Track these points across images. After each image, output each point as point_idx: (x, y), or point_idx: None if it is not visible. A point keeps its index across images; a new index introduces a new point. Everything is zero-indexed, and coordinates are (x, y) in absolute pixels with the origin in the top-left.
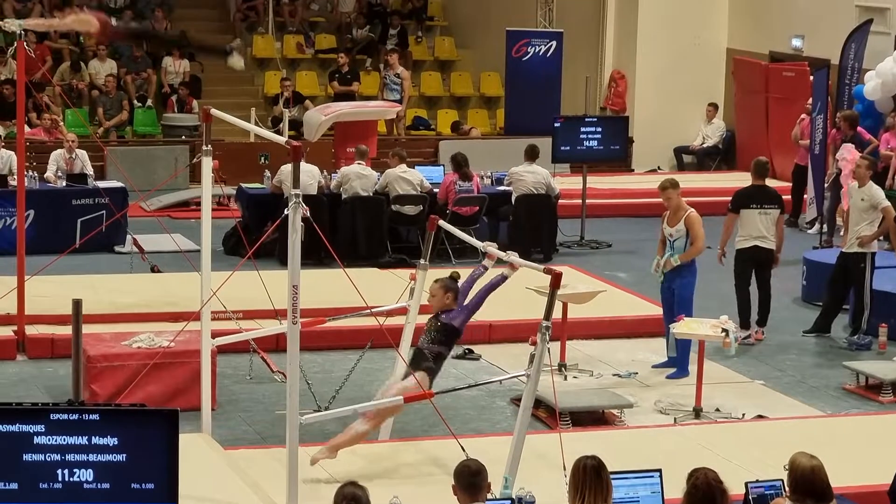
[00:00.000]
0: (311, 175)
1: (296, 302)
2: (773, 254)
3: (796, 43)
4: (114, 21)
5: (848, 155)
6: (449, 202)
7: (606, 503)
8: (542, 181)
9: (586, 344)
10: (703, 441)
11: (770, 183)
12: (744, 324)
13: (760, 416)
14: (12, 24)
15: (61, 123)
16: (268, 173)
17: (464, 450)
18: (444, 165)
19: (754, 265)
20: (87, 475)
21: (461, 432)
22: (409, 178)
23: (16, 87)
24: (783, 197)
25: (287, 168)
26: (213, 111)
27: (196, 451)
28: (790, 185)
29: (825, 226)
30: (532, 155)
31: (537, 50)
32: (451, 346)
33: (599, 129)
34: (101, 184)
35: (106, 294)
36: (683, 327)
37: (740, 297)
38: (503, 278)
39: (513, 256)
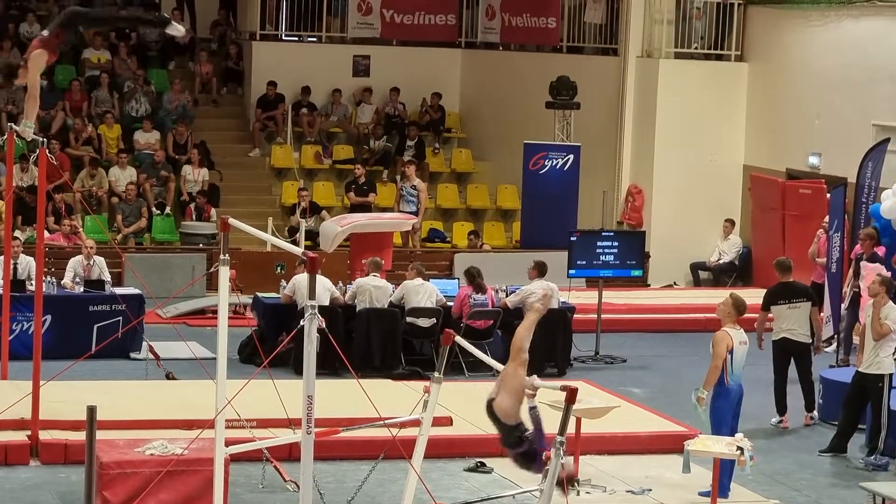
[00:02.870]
0: (322, 286)
1: (310, 412)
2: (805, 345)
3: (813, 160)
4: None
5: (866, 273)
6: (463, 316)
7: None
8: (555, 295)
9: (600, 459)
10: None
11: None
12: (779, 410)
13: None
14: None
15: (80, 229)
16: (284, 283)
17: None
18: (458, 279)
19: (788, 356)
20: None
21: None
22: (425, 291)
23: (37, 194)
24: None
25: (298, 278)
26: (231, 221)
27: None
28: None
29: (842, 345)
30: (542, 271)
31: (554, 163)
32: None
33: (616, 244)
34: (118, 290)
35: (120, 400)
36: (698, 444)
37: (775, 386)
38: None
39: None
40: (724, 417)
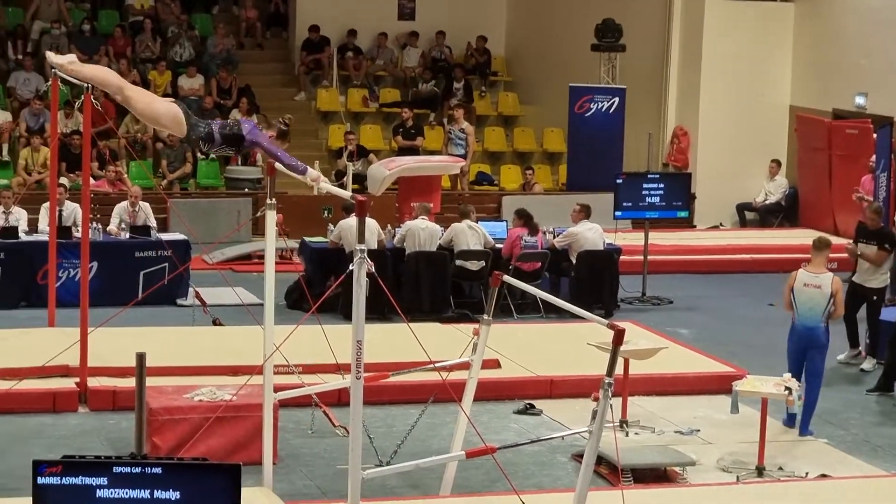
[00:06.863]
0: (370, 230)
1: (360, 357)
2: (871, 290)
3: (860, 100)
4: None
5: None
6: (513, 257)
7: None
8: (600, 236)
9: (648, 400)
10: (766, 500)
11: (833, 240)
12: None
13: (824, 476)
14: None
15: (125, 175)
16: (331, 227)
17: None
18: (506, 221)
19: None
20: None
21: (522, 488)
22: (475, 232)
23: (81, 140)
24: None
25: (345, 223)
26: (277, 165)
27: None
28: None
29: (890, 284)
30: (588, 213)
31: (600, 106)
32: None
33: (662, 186)
34: (164, 236)
35: (168, 347)
36: (747, 385)
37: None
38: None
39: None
40: (790, 354)
